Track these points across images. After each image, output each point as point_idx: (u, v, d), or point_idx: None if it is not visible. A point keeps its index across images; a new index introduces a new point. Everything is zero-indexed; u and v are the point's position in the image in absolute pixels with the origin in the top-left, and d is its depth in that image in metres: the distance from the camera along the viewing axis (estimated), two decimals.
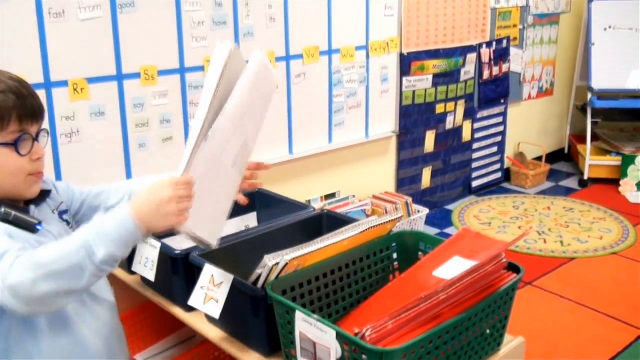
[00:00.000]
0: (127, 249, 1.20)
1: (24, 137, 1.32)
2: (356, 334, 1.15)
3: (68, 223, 1.52)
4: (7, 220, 1.31)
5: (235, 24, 3.36)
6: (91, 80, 2.92)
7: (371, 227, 1.48)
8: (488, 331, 1.37)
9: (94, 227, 1.19)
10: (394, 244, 1.57)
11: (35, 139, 1.36)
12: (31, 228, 1.34)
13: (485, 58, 4.85)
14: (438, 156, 4.71)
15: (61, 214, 1.51)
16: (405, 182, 4.55)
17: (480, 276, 1.32)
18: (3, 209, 1.31)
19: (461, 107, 4.77)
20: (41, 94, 2.74)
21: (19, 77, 1.38)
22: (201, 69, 3.27)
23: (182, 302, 1.54)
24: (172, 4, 3.11)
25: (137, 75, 3.05)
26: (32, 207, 1.42)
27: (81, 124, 2.92)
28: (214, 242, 1.33)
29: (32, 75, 2.75)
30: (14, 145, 1.30)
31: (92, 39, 2.89)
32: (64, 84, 2.85)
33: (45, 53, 2.78)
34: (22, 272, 1.13)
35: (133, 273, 1.68)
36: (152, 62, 3.08)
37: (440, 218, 4.65)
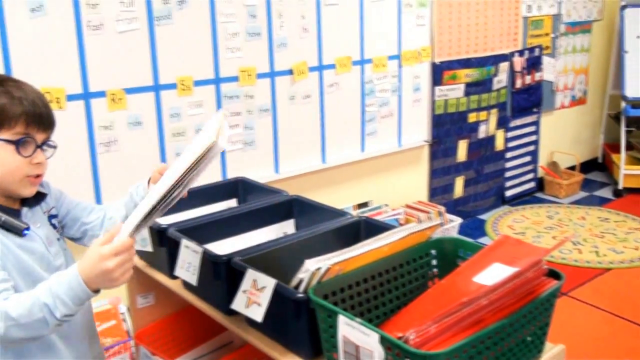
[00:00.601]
0: (81, 306, 1.33)
1: (27, 140, 1.43)
2: (399, 338, 1.16)
3: (55, 227, 1.61)
4: None
5: (269, 35, 3.40)
6: (129, 91, 2.97)
7: (411, 234, 1.49)
8: (529, 338, 1.37)
9: (52, 290, 1.30)
10: (433, 251, 1.57)
11: (41, 146, 1.47)
12: (19, 232, 1.46)
13: (517, 67, 4.83)
14: (471, 165, 4.70)
15: (50, 217, 1.61)
16: (438, 191, 4.54)
17: (521, 282, 1.32)
18: None
19: (494, 116, 4.75)
20: (80, 104, 2.82)
21: (40, 91, 1.50)
22: (235, 79, 3.31)
23: (224, 306, 1.56)
24: (207, 15, 3.16)
25: (173, 86, 3.10)
26: (25, 210, 1.52)
27: (119, 134, 2.98)
28: None
29: (71, 86, 2.81)
30: (16, 144, 1.42)
31: (130, 50, 2.95)
32: (102, 94, 2.91)
33: (83, 64, 2.84)
34: None
35: (175, 277, 1.71)
36: (188, 73, 3.14)
37: (474, 228, 4.63)
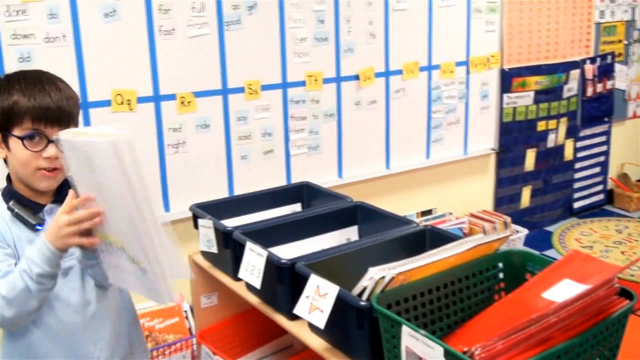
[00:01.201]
0: (52, 265, 1.44)
1: (34, 135, 1.51)
2: (464, 352, 1.13)
3: None
4: (12, 214, 1.55)
5: (337, 40, 3.41)
6: (198, 94, 3.03)
7: (478, 245, 1.46)
8: (598, 359, 1.33)
9: (26, 256, 1.45)
10: (500, 263, 1.54)
11: (54, 140, 1.51)
12: (31, 226, 1.55)
13: (588, 74, 4.69)
14: (538, 175, 4.59)
15: None
16: (504, 200, 4.46)
17: (592, 300, 1.28)
18: (11, 203, 1.55)
19: (563, 125, 4.63)
20: (150, 106, 2.89)
21: (62, 86, 1.56)
22: (302, 84, 3.34)
23: (286, 310, 1.57)
24: (276, 20, 3.19)
25: (241, 90, 3.15)
26: (52, 206, 1.60)
27: (187, 135, 3.04)
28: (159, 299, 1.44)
29: (142, 88, 2.89)
30: (22, 139, 1.50)
31: (200, 54, 3.01)
32: (172, 97, 2.97)
33: (155, 68, 2.91)
34: None
35: (238, 279, 1.73)
36: (256, 77, 3.18)
37: (540, 240, 4.51)
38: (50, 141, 1.52)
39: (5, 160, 1.59)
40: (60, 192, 1.59)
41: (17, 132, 1.51)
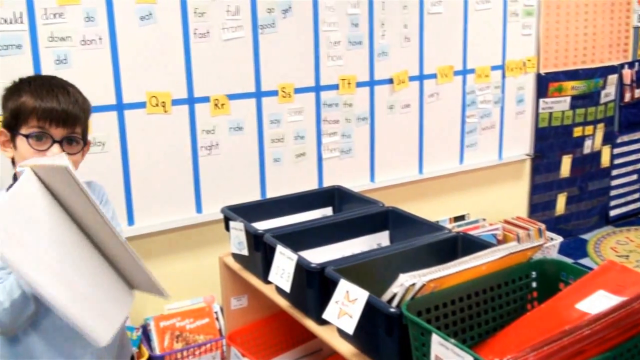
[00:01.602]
0: None
1: (39, 134, 1.53)
2: None
3: None
4: None
5: (370, 44, 3.40)
6: (231, 97, 3.05)
7: (511, 253, 1.44)
8: None
9: None
10: (533, 272, 1.52)
11: (60, 141, 1.55)
12: None
13: (626, 79, 4.61)
14: (574, 182, 4.52)
15: None
16: (539, 207, 4.40)
17: (627, 313, 1.25)
18: None
19: (600, 130, 4.55)
20: (184, 108, 2.92)
21: (70, 89, 1.59)
22: (335, 87, 3.34)
23: (315, 314, 1.57)
24: (311, 24, 3.20)
25: (274, 93, 3.16)
26: None
27: (220, 138, 3.05)
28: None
29: (176, 91, 2.92)
30: (27, 137, 1.53)
31: (234, 57, 3.03)
32: (206, 99, 3.00)
33: (189, 71, 2.94)
34: None
35: (269, 282, 1.73)
36: (289, 80, 3.18)
37: (575, 248, 4.44)
38: (55, 141, 1.54)
39: (13, 162, 1.61)
40: None
41: (23, 130, 1.53)
